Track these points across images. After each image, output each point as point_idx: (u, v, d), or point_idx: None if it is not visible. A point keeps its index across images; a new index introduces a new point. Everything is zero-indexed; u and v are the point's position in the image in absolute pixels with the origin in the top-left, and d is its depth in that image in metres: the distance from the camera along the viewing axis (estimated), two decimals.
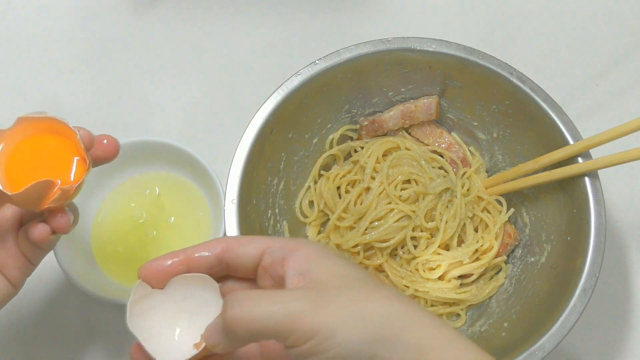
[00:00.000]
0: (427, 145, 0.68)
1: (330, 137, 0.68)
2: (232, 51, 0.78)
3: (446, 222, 0.63)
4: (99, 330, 0.65)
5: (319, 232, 0.68)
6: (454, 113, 0.68)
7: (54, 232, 0.46)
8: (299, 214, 0.67)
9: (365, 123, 0.67)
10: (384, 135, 0.68)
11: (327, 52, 0.61)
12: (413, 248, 0.63)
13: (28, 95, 0.76)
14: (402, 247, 0.64)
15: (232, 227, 0.56)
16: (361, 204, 0.65)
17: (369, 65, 0.63)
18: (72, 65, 0.77)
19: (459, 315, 0.64)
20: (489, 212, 0.66)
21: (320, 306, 0.35)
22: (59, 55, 0.77)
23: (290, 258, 0.39)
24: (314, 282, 0.37)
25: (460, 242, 0.65)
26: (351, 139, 0.69)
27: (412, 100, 0.67)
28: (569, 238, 0.59)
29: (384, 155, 0.66)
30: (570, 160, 0.58)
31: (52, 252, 0.54)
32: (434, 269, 0.63)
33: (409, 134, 0.69)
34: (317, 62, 0.61)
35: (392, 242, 0.63)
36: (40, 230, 0.45)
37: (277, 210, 0.65)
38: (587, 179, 0.57)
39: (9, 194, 0.42)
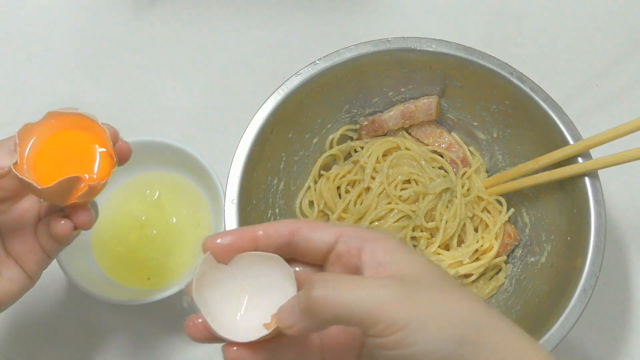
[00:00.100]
0: (427, 145, 0.68)
1: (330, 137, 0.68)
2: (232, 51, 0.78)
3: (446, 222, 0.63)
4: (99, 330, 0.65)
5: None
6: (454, 113, 0.68)
7: (75, 227, 0.46)
8: (299, 214, 0.67)
9: (365, 123, 0.67)
10: (384, 135, 0.68)
11: (327, 52, 0.61)
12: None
13: (28, 96, 0.76)
14: None
15: (232, 227, 0.56)
16: (361, 204, 0.65)
17: (369, 65, 0.63)
18: (72, 65, 0.77)
19: None
20: (489, 212, 0.66)
21: (411, 298, 0.34)
22: (58, 55, 0.77)
23: (367, 248, 0.37)
24: (397, 274, 0.36)
25: (460, 242, 0.65)
26: (351, 139, 0.69)
27: (412, 100, 0.67)
28: (569, 238, 0.59)
29: (384, 155, 0.66)
30: (570, 160, 0.58)
31: None
32: None
33: (409, 134, 0.69)
34: (317, 62, 0.61)
35: None
36: (63, 225, 0.45)
37: (277, 210, 0.65)
38: (587, 179, 0.57)
39: (39, 187, 0.42)
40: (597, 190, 0.57)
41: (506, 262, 0.66)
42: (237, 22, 0.79)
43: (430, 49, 0.62)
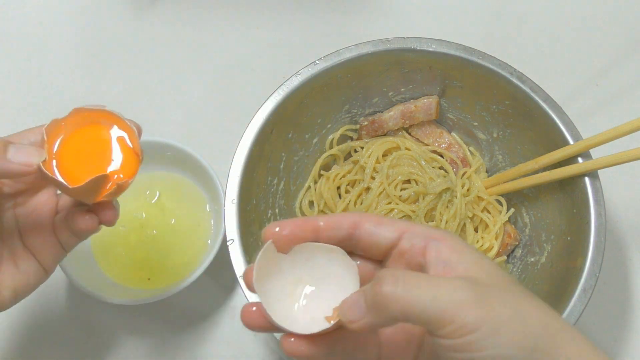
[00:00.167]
0: (427, 145, 0.68)
1: (330, 137, 0.68)
2: (232, 51, 0.78)
3: (446, 222, 0.63)
4: (99, 331, 0.65)
5: None
6: (454, 113, 0.68)
7: (99, 224, 0.46)
8: (299, 214, 0.67)
9: (365, 123, 0.67)
10: (384, 135, 0.68)
11: (327, 52, 0.61)
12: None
13: (28, 96, 0.76)
14: None
15: (232, 227, 0.56)
16: (361, 204, 0.65)
17: (369, 65, 0.63)
18: (71, 65, 0.77)
19: None
20: (489, 212, 0.66)
21: (484, 301, 0.33)
22: (58, 55, 0.77)
23: (432, 246, 0.36)
24: (467, 275, 0.35)
25: None
26: (351, 139, 0.69)
27: (412, 100, 0.67)
28: (569, 238, 0.59)
29: (384, 155, 0.66)
30: (570, 160, 0.58)
31: None
32: None
33: (409, 134, 0.68)
34: (317, 62, 0.61)
35: None
36: (88, 221, 0.45)
37: (277, 210, 0.65)
38: (587, 179, 0.57)
39: (70, 187, 0.42)
40: (597, 190, 0.57)
41: (506, 262, 0.66)
42: (237, 22, 0.79)
43: (430, 49, 0.62)
